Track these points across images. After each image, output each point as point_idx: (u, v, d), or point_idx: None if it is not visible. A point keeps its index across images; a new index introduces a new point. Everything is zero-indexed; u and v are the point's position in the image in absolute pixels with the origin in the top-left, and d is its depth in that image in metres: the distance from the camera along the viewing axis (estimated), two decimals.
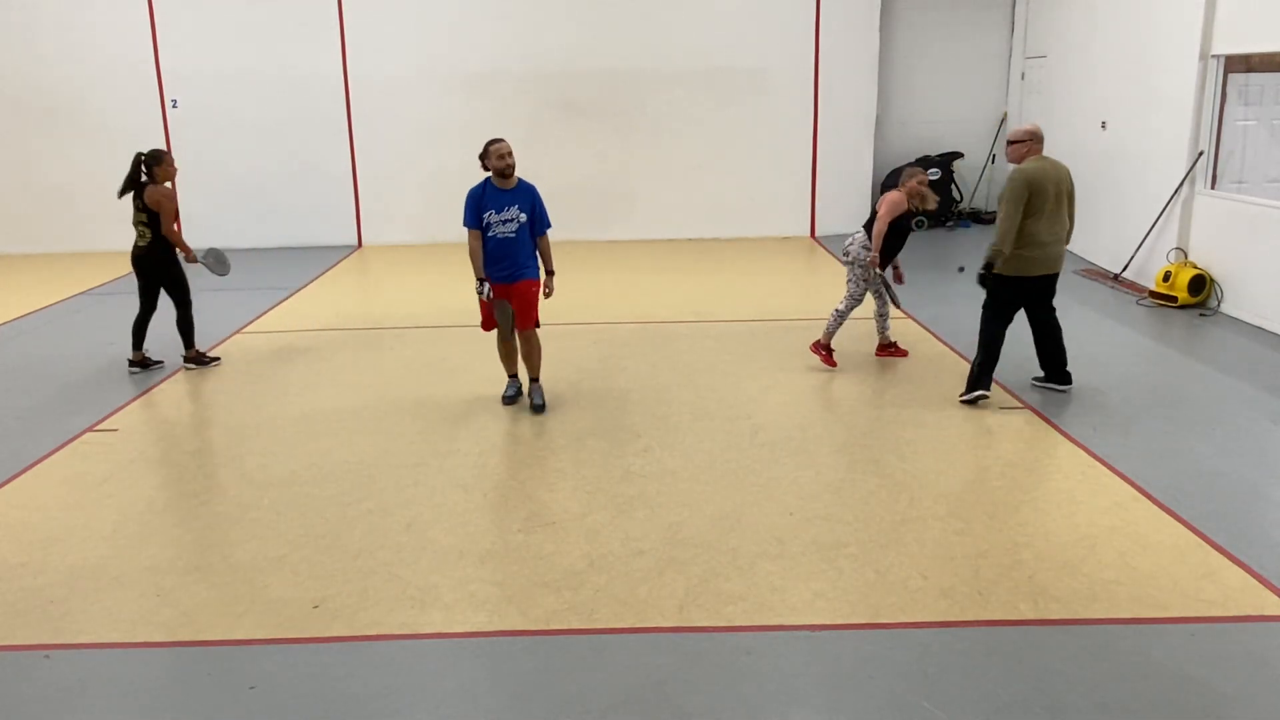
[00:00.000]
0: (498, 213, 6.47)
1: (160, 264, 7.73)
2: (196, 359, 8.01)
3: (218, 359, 8.15)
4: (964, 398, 6.76)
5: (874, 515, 5.10)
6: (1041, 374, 7.06)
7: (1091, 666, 3.76)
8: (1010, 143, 6.75)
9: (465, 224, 6.54)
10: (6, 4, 13.11)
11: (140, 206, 7.58)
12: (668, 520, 5.07)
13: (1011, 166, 6.80)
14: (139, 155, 7.63)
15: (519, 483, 5.63)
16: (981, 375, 6.74)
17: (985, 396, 6.72)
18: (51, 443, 6.33)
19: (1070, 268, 11.25)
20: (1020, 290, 6.68)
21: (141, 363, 7.94)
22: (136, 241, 7.70)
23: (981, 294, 6.84)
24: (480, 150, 6.56)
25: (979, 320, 6.84)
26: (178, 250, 7.78)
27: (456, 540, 4.91)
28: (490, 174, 6.52)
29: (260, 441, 6.29)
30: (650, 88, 13.67)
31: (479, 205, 6.50)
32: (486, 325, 6.88)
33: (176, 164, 7.91)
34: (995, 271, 6.60)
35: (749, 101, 13.72)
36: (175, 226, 7.71)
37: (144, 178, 7.58)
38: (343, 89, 13.49)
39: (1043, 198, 6.46)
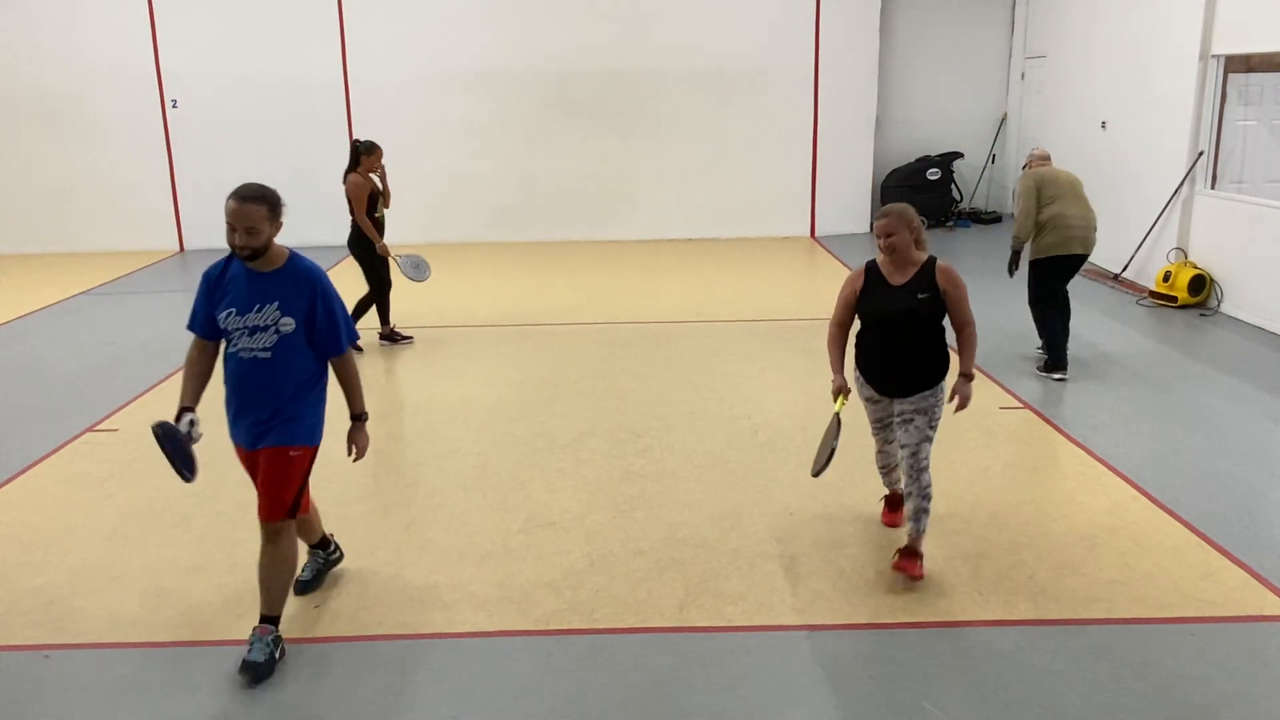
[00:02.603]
0: (242, 312, 3.73)
1: (355, 248, 8.17)
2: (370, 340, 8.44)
3: (409, 338, 8.55)
4: (1043, 372, 7.38)
5: (874, 515, 5.10)
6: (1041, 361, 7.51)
7: (1091, 666, 3.76)
8: (1025, 168, 7.59)
9: (188, 325, 3.89)
10: (5, 4, 13.11)
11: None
12: (668, 520, 5.07)
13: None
14: (354, 142, 8.03)
15: (519, 483, 5.62)
16: (1059, 359, 7.31)
17: (1063, 379, 7.25)
18: (51, 443, 6.34)
19: None
20: (1060, 269, 7.21)
21: (389, 336, 8.52)
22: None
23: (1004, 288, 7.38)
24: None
25: (1032, 317, 7.48)
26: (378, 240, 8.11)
27: (456, 540, 4.91)
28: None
29: None
30: (650, 88, 13.67)
31: (211, 294, 3.83)
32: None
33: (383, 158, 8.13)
34: (1035, 257, 7.22)
35: (749, 101, 13.72)
36: (365, 216, 7.99)
37: (352, 164, 7.98)
38: (343, 89, 13.48)
39: (1055, 186, 7.12)
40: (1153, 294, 9.59)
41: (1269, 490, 5.37)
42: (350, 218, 8.09)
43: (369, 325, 8.53)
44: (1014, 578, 4.43)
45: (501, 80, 13.52)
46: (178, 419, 3.78)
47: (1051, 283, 7.25)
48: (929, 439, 4.35)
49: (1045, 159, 7.46)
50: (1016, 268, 7.44)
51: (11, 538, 5.01)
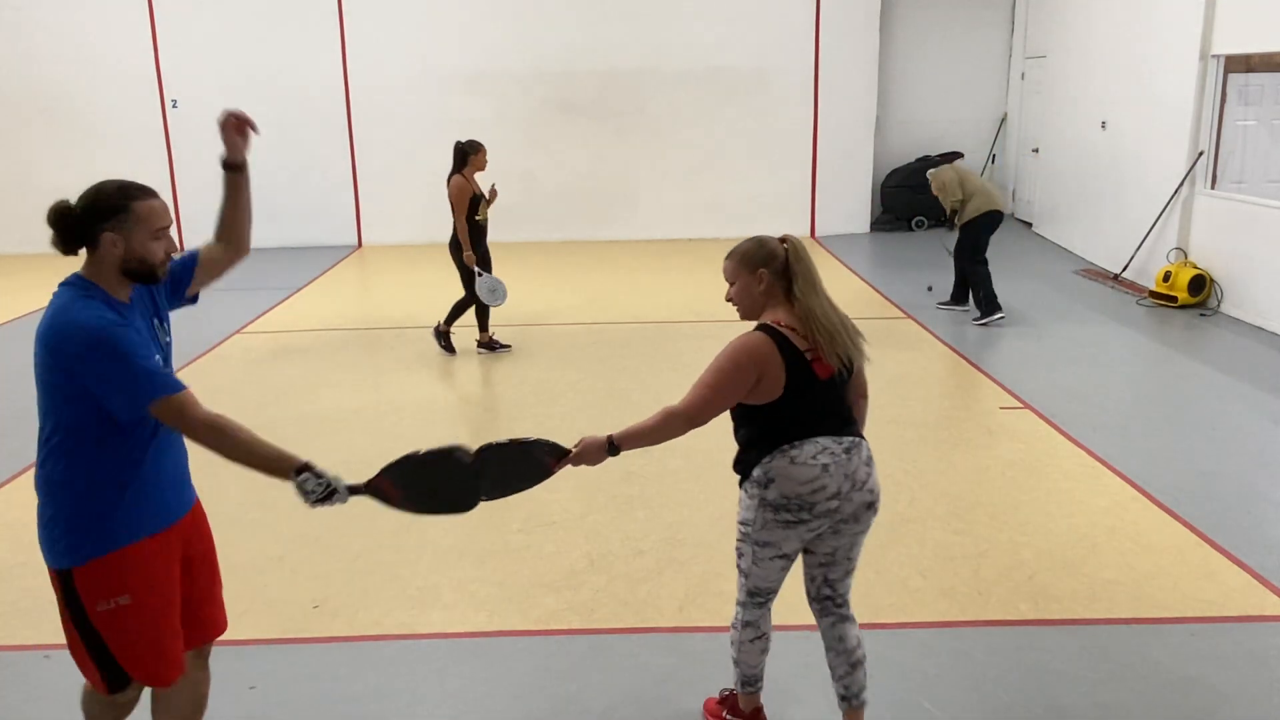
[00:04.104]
0: (164, 353, 2.94)
1: (452, 249, 7.96)
2: (447, 343, 8.22)
3: (507, 346, 8.28)
4: (980, 321, 8.69)
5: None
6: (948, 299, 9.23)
7: (1091, 666, 3.76)
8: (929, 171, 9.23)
9: (168, 389, 2.73)
10: (5, 4, 13.11)
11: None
12: (668, 520, 5.07)
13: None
14: (458, 143, 7.83)
15: None
16: (990, 302, 8.66)
17: (1002, 318, 8.64)
18: None
19: (1070, 267, 11.27)
20: (988, 222, 8.73)
21: (488, 345, 8.25)
22: None
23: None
24: (95, 208, 2.75)
25: (969, 275, 8.88)
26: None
27: (456, 540, 4.91)
28: (102, 278, 2.81)
29: None
30: (650, 88, 13.67)
31: (134, 342, 2.75)
32: (143, 671, 2.94)
33: (486, 158, 7.95)
34: (968, 219, 8.71)
35: (749, 101, 13.72)
36: (464, 220, 7.77)
37: (457, 165, 7.79)
38: (343, 89, 13.49)
39: (964, 173, 8.87)
40: (1153, 294, 9.59)
41: (1269, 490, 5.37)
42: (452, 219, 7.92)
43: (465, 324, 8.36)
44: (1014, 578, 4.43)
45: (501, 80, 13.52)
46: (313, 477, 2.91)
47: (981, 236, 8.75)
48: (740, 552, 3.33)
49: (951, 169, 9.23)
50: (953, 228, 9.15)
51: (11, 538, 5.01)
